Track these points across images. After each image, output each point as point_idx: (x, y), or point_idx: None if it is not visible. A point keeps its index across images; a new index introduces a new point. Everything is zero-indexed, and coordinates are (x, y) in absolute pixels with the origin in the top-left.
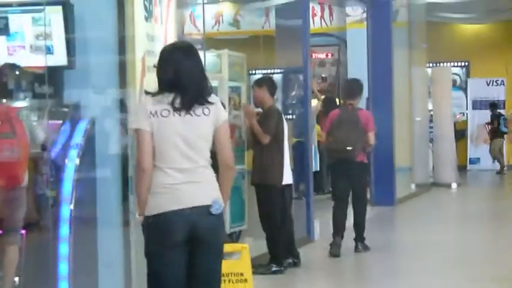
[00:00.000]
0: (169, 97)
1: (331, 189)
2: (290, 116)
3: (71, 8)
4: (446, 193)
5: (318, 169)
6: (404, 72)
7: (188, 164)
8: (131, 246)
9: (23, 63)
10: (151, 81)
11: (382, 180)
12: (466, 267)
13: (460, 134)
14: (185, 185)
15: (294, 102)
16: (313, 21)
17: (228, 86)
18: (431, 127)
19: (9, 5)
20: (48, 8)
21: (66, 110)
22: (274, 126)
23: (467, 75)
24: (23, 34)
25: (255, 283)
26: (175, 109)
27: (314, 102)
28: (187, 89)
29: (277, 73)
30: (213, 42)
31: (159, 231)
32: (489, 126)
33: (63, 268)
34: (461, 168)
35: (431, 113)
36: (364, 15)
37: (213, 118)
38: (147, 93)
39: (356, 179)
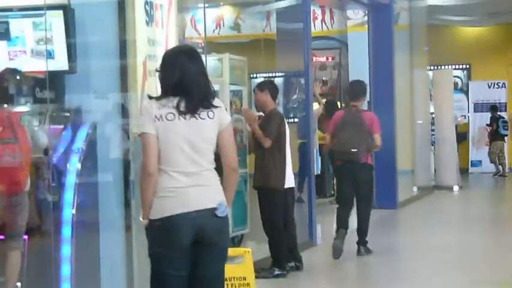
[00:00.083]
0: (174, 101)
1: (335, 192)
2: (292, 120)
3: (72, 12)
4: (448, 196)
5: (320, 172)
6: (406, 75)
7: (193, 168)
8: (133, 250)
9: (24, 68)
10: (153, 86)
11: (384, 183)
12: (467, 270)
13: (462, 136)
14: (191, 188)
15: (295, 105)
16: (314, 24)
17: (230, 90)
18: (432, 130)
19: (10, 9)
20: (49, 13)
21: (67, 114)
22: (276, 130)
23: (469, 77)
24: (24, 39)
25: (258, 287)
26: (180, 113)
27: (315, 106)
28: (193, 93)
29: (278, 77)
30: (214, 46)
31: (165, 234)
32: (489, 128)
33: (66, 269)
34: (463, 171)
35: (433, 115)
36: (365, 18)
37: (217, 121)
38: (150, 97)
39: (361, 180)
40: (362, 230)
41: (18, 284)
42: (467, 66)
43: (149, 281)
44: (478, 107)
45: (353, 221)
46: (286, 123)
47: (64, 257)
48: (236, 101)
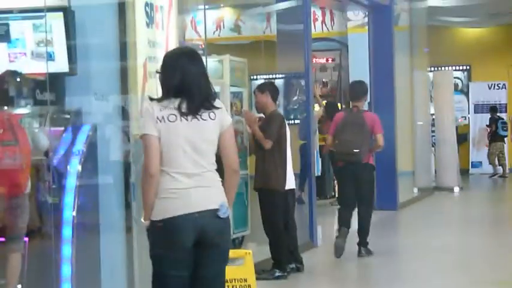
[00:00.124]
0: (175, 102)
1: (337, 194)
2: (292, 121)
3: (72, 14)
4: (448, 197)
5: (320, 174)
6: (406, 77)
7: (195, 169)
8: (134, 251)
9: (24, 70)
10: (153, 87)
11: (384, 185)
12: (468, 271)
13: (462, 138)
14: (193, 189)
15: (295, 107)
16: (315, 26)
17: (230, 92)
18: (433, 131)
19: (10, 11)
20: (49, 15)
21: (67, 116)
22: (276, 132)
23: (469, 79)
24: (24, 41)
25: None
26: (182, 114)
27: (315, 108)
28: (194, 94)
29: (278, 78)
30: (215, 47)
31: (167, 235)
32: (488, 129)
33: (66, 270)
34: (464, 172)
35: (433, 117)
36: (366, 19)
37: (218, 122)
38: (151, 99)
39: (363, 181)
40: (363, 231)
41: (19, 286)
42: (468, 67)
43: (150, 282)
44: (479, 108)
45: (354, 222)
46: (286, 124)
47: (64, 258)
48: (236, 103)
